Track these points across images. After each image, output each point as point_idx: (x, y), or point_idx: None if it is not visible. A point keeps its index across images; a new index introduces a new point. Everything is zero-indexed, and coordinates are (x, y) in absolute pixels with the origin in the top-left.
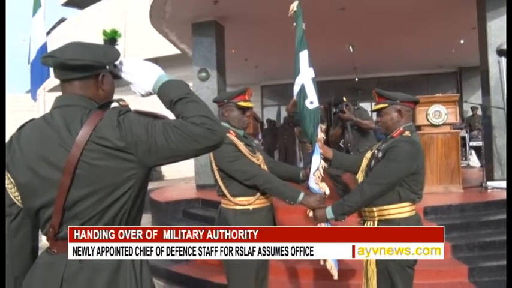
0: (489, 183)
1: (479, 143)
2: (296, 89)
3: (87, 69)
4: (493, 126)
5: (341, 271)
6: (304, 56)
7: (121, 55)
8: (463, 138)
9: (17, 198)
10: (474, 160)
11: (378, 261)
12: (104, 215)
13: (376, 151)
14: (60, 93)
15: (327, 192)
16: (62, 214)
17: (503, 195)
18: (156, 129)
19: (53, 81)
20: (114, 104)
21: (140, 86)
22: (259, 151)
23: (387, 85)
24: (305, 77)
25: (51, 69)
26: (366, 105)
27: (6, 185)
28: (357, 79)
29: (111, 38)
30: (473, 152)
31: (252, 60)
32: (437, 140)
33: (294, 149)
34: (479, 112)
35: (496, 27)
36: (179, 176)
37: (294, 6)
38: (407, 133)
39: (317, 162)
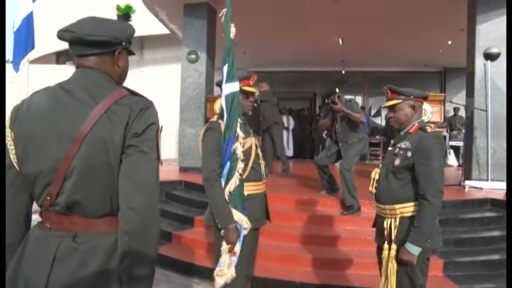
0: (467, 182)
1: (459, 143)
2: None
3: (104, 45)
4: (475, 127)
5: (340, 260)
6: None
7: None
8: (444, 137)
9: (15, 160)
10: (452, 159)
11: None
12: (99, 187)
13: (398, 149)
14: (44, 65)
15: (245, 226)
16: (62, 182)
17: (480, 194)
18: (144, 163)
19: (37, 52)
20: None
21: None
22: (254, 138)
23: (373, 80)
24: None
25: (36, 40)
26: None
27: (8, 146)
28: (343, 72)
29: (126, 14)
30: (451, 151)
31: (241, 45)
32: None
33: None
34: (461, 113)
35: (484, 31)
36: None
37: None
38: (429, 129)
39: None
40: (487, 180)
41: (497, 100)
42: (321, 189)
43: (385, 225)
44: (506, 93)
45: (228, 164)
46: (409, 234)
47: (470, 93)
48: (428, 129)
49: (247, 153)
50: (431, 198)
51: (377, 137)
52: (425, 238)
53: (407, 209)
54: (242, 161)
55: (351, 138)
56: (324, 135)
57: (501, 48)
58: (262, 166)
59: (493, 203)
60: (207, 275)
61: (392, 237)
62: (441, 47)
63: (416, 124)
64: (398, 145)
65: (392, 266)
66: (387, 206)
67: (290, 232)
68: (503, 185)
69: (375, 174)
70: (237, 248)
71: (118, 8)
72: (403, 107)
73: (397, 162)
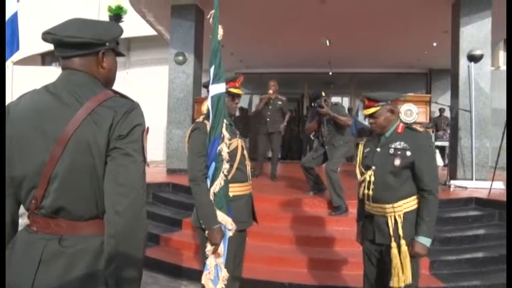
0: (452, 181)
1: (444, 143)
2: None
3: (86, 47)
4: (459, 128)
5: (329, 261)
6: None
7: None
8: None
9: None
10: (438, 159)
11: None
12: (85, 190)
13: (393, 150)
14: (28, 67)
15: (230, 227)
16: (46, 185)
17: (465, 193)
18: (129, 166)
19: (22, 53)
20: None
21: None
22: (241, 139)
23: (360, 81)
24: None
25: (20, 41)
26: (337, 100)
27: None
28: (331, 73)
29: (116, 14)
30: (437, 151)
31: (229, 47)
32: None
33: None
34: (446, 113)
35: (468, 33)
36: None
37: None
38: (419, 128)
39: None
40: (472, 179)
41: (481, 101)
42: (308, 190)
43: (389, 223)
44: (507, 94)
45: (213, 164)
46: (419, 228)
47: (454, 94)
48: (419, 128)
49: (232, 154)
50: (436, 193)
51: (364, 138)
52: (433, 230)
53: (410, 203)
54: (227, 162)
55: (337, 141)
56: (311, 136)
57: (484, 50)
58: (248, 167)
59: (478, 202)
60: (195, 277)
61: (400, 233)
62: (426, 48)
63: (402, 124)
64: (392, 146)
65: (407, 261)
66: (391, 205)
67: (278, 233)
68: (487, 184)
69: (369, 176)
70: (221, 249)
71: (109, 8)
72: (382, 113)
73: (397, 162)
